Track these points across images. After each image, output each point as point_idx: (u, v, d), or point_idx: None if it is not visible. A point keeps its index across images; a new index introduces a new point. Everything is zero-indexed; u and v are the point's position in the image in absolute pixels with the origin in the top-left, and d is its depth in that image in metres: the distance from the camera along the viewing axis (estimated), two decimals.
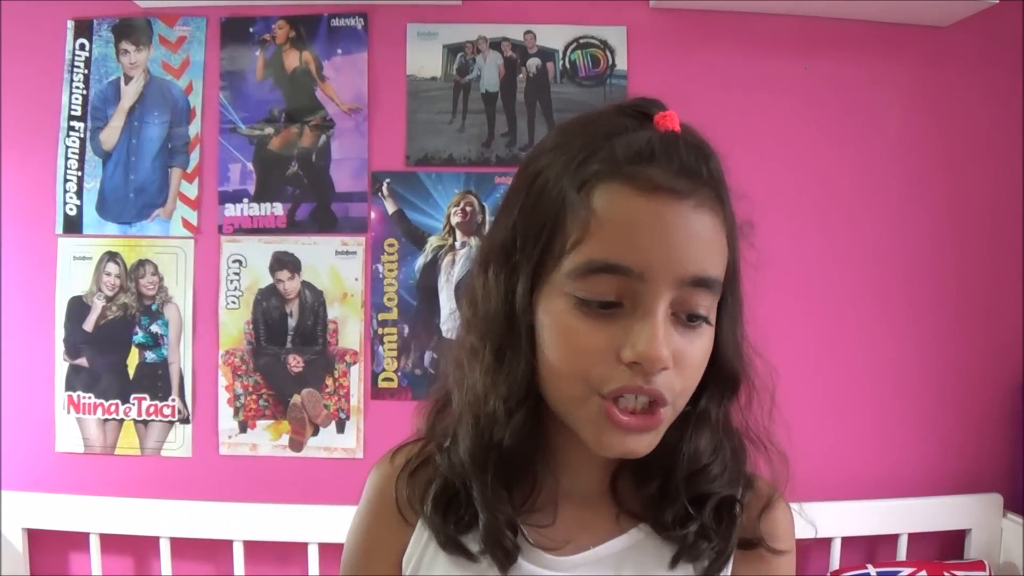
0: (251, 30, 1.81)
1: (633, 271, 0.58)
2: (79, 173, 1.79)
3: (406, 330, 1.79)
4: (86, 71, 1.80)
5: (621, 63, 1.80)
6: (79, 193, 1.79)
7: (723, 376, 0.66)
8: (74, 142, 1.80)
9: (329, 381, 1.79)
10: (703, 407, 0.66)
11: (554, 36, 1.81)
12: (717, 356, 0.65)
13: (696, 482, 0.66)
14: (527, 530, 0.66)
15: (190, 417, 1.79)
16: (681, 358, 0.60)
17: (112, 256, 1.79)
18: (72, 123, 1.80)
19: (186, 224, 1.79)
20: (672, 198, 0.59)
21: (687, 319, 0.61)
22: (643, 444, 0.61)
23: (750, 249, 0.67)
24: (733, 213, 0.64)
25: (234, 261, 1.80)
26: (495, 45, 1.81)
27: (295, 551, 1.72)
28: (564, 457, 0.68)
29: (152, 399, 1.79)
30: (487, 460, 0.65)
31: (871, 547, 1.78)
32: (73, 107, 1.80)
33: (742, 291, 0.68)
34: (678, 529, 0.65)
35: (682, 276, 0.59)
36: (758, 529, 0.68)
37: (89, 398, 1.78)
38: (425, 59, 1.81)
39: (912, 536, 1.73)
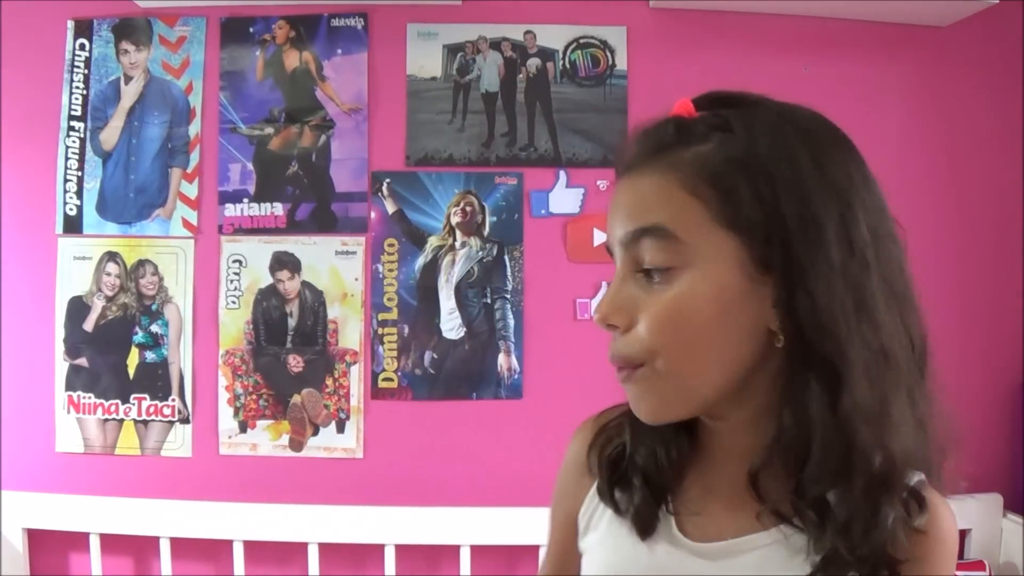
0: (251, 30, 1.81)
1: (607, 247, 0.67)
2: (79, 173, 1.79)
3: (406, 330, 1.79)
4: (86, 71, 1.80)
5: (621, 63, 1.80)
6: (79, 193, 1.79)
7: (808, 356, 0.59)
8: (74, 142, 1.80)
9: (329, 381, 1.79)
10: (792, 394, 0.61)
11: (554, 36, 1.81)
12: (800, 331, 0.59)
13: (807, 483, 0.60)
14: (674, 508, 0.69)
15: (190, 417, 1.79)
16: (639, 314, 0.62)
17: (112, 256, 1.79)
18: (72, 123, 1.80)
19: (186, 224, 1.79)
20: (620, 176, 0.66)
21: (646, 275, 0.62)
22: (643, 405, 0.64)
23: None
24: (727, 167, 0.60)
25: (234, 261, 1.80)
26: (495, 45, 1.81)
27: (295, 551, 1.72)
28: (707, 450, 0.70)
29: (152, 399, 1.79)
30: (653, 433, 0.69)
31: None
32: (73, 107, 1.80)
33: (825, 248, 0.59)
34: (810, 535, 0.61)
35: (619, 238, 0.64)
36: (904, 548, 0.60)
37: (89, 398, 1.78)
38: (425, 59, 1.81)
39: None
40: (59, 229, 1.79)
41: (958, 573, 1.65)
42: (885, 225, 0.63)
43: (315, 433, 1.78)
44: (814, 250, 0.59)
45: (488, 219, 1.79)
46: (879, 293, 0.60)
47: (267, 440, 1.79)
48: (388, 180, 1.80)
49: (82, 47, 1.80)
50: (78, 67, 1.80)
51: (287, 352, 1.79)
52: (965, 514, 1.74)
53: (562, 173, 1.80)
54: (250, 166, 1.80)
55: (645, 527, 0.68)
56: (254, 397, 1.79)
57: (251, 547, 1.71)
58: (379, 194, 1.80)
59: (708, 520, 0.67)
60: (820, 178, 0.61)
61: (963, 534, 1.75)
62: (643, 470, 0.69)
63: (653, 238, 0.61)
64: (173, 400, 1.79)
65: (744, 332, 0.61)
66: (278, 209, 1.80)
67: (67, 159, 1.79)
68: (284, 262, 1.80)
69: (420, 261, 1.79)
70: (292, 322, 1.79)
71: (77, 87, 1.80)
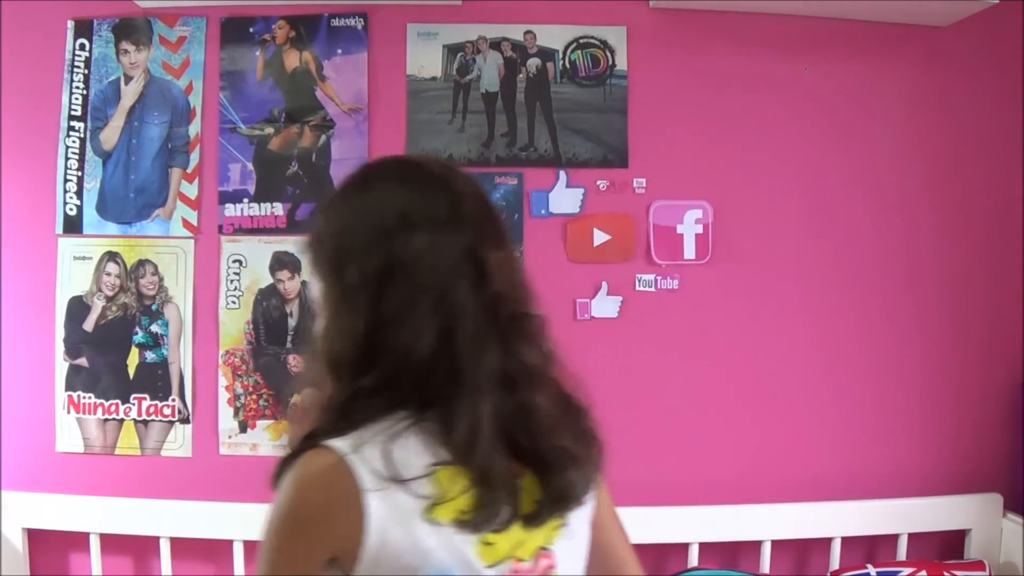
0: (251, 30, 1.81)
1: None
2: (79, 173, 1.79)
3: None
4: (86, 71, 1.80)
5: (621, 63, 1.80)
6: (79, 193, 1.79)
7: None
8: (74, 142, 1.80)
9: None
10: None
11: (554, 36, 1.81)
12: None
13: None
14: None
15: (190, 417, 1.79)
16: None
17: (112, 256, 1.79)
18: (72, 123, 1.80)
19: (186, 224, 1.79)
20: None
21: None
22: None
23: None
24: (323, 248, 0.85)
25: (234, 261, 1.80)
26: (495, 45, 1.81)
27: None
28: None
29: (152, 399, 1.79)
30: None
31: (871, 547, 1.78)
32: (73, 107, 1.80)
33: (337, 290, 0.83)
34: None
35: None
36: None
37: (89, 398, 1.78)
38: (425, 59, 1.81)
39: (912, 536, 1.73)
40: (59, 229, 1.79)
41: (958, 573, 1.65)
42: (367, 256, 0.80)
43: None
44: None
45: None
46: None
47: (267, 440, 1.79)
48: None
49: (82, 47, 1.80)
50: (78, 67, 1.80)
51: (287, 352, 1.79)
52: (965, 514, 1.74)
53: (562, 173, 1.80)
54: (250, 166, 1.80)
55: None
56: (254, 397, 1.79)
57: (251, 547, 1.71)
58: None
59: None
60: (323, 237, 0.85)
61: (963, 534, 1.75)
62: None
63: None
64: (173, 400, 1.79)
65: None
66: (278, 209, 1.80)
67: (67, 159, 1.79)
68: (284, 262, 1.80)
69: None
70: (292, 322, 1.79)
71: (77, 87, 1.80)
